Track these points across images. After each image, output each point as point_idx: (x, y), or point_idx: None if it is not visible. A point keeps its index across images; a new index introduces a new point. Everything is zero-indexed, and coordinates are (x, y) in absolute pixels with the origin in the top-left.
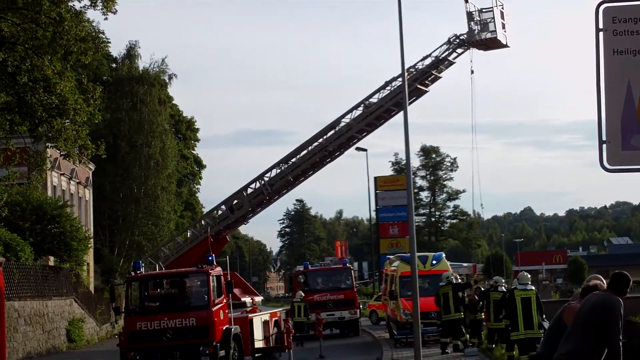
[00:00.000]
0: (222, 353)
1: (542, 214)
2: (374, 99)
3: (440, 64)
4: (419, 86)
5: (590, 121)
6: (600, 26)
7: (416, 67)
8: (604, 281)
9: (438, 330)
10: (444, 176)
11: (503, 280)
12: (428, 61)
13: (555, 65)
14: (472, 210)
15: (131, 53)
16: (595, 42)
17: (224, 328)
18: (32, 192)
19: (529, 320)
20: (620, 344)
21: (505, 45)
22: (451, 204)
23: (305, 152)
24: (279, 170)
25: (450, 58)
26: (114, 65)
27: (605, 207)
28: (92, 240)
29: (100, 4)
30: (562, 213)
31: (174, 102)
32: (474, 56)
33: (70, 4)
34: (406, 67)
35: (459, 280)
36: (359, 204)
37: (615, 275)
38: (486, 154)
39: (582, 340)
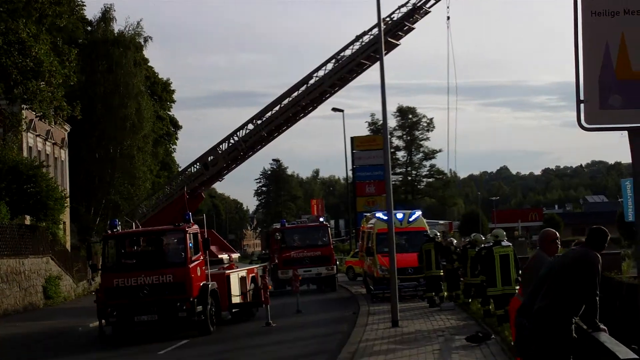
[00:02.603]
0: (199, 308)
1: (519, 172)
2: (345, 54)
3: (415, 12)
4: (390, 39)
5: (567, 83)
6: None
7: (392, 17)
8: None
9: (415, 285)
10: (420, 136)
11: (480, 237)
12: (404, 10)
13: (532, 26)
14: (447, 169)
15: (106, 16)
16: (573, 3)
17: (201, 284)
18: (8, 153)
19: (506, 277)
20: (598, 299)
21: None
22: (427, 163)
23: (278, 107)
24: (252, 126)
25: (427, 6)
26: (89, 28)
27: (581, 166)
28: (68, 199)
29: None
30: (538, 172)
31: (149, 64)
32: (458, 9)
33: None
34: (382, 17)
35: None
36: (335, 164)
37: (593, 231)
38: (463, 114)
39: (559, 295)
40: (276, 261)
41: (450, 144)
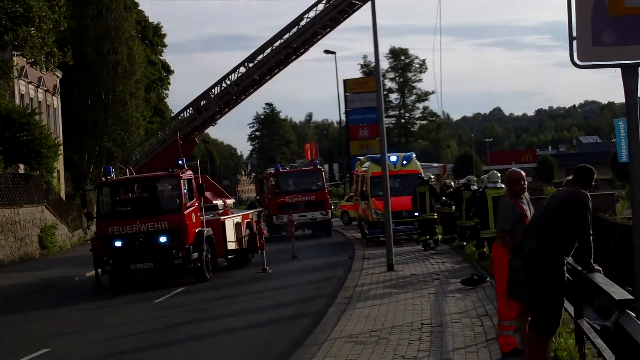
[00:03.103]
0: (195, 255)
1: (512, 114)
2: None
3: None
4: None
5: (559, 21)
6: None
7: None
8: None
9: (410, 229)
10: (413, 78)
11: (475, 179)
12: None
13: None
14: (440, 111)
15: None
16: None
17: (196, 230)
18: (0, 101)
19: None
20: (591, 239)
21: None
22: (420, 105)
23: (269, 49)
24: (244, 70)
25: None
26: None
27: (574, 106)
28: (61, 147)
29: None
30: (531, 113)
31: (139, 8)
32: None
33: None
34: None
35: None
36: (328, 107)
37: (579, 169)
38: (455, 55)
39: (551, 236)
40: (267, 206)
41: (439, 86)
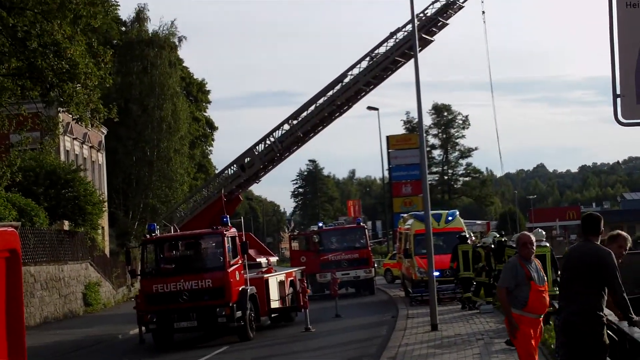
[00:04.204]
0: (238, 314)
1: (555, 170)
2: (379, 51)
3: (449, 8)
4: (424, 35)
5: (603, 77)
6: None
7: (425, 12)
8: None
9: (454, 287)
10: (456, 134)
11: (497, 236)
12: (438, 5)
13: (567, 20)
14: (485, 168)
15: (140, 16)
16: None
17: (240, 289)
18: (45, 157)
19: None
20: (624, 293)
21: None
22: (464, 161)
23: (313, 107)
24: (288, 127)
25: (460, 1)
26: (123, 28)
27: (618, 162)
28: (106, 203)
29: None
30: (575, 169)
31: (184, 64)
32: (494, 4)
33: None
34: (415, 13)
35: (473, 238)
36: (371, 164)
37: (586, 220)
38: (498, 110)
39: (588, 297)
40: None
41: (493, 142)
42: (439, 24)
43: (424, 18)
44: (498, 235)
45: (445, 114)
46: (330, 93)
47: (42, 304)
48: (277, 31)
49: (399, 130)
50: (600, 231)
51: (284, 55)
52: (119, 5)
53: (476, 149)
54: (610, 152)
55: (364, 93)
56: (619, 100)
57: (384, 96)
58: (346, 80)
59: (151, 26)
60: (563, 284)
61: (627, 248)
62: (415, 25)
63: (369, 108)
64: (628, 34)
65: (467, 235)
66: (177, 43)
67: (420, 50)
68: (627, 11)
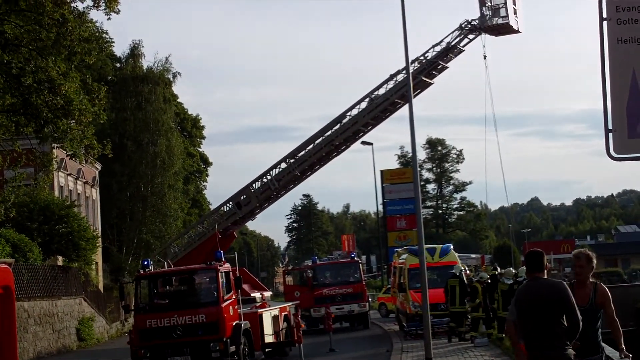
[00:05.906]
0: (232, 349)
1: (549, 203)
2: (379, 92)
3: (449, 52)
4: (424, 78)
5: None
6: (604, 15)
7: (426, 55)
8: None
9: (448, 321)
10: (450, 168)
11: (486, 276)
12: (438, 49)
13: (558, 55)
14: (479, 201)
15: (135, 52)
16: (599, 31)
17: (234, 324)
18: (39, 193)
19: None
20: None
21: (517, 31)
22: (458, 195)
23: (311, 146)
24: (285, 165)
25: (461, 45)
26: (118, 64)
27: (612, 195)
28: (100, 239)
29: (103, 4)
30: (569, 202)
31: (178, 100)
32: (486, 42)
33: (73, 4)
34: (416, 55)
35: (467, 272)
36: (365, 198)
37: (530, 257)
38: (492, 145)
39: (557, 335)
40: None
41: (476, 176)
42: (438, 67)
43: (424, 61)
44: (492, 269)
45: (440, 148)
46: (329, 133)
47: (35, 339)
48: (271, 68)
49: (393, 164)
50: (545, 266)
51: (278, 92)
52: (113, 42)
53: (470, 183)
54: (604, 185)
55: (362, 133)
56: (610, 135)
57: (378, 130)
58: (345, 120)
59: (146, 62)
60: (527, 324)
61: (581, 264)
62: (410, 71)
63: (364, 143)
64: (619, 69)
65: (458, 272)
66: (171, 79)
67: (419, 93)
68: (618, 46)
